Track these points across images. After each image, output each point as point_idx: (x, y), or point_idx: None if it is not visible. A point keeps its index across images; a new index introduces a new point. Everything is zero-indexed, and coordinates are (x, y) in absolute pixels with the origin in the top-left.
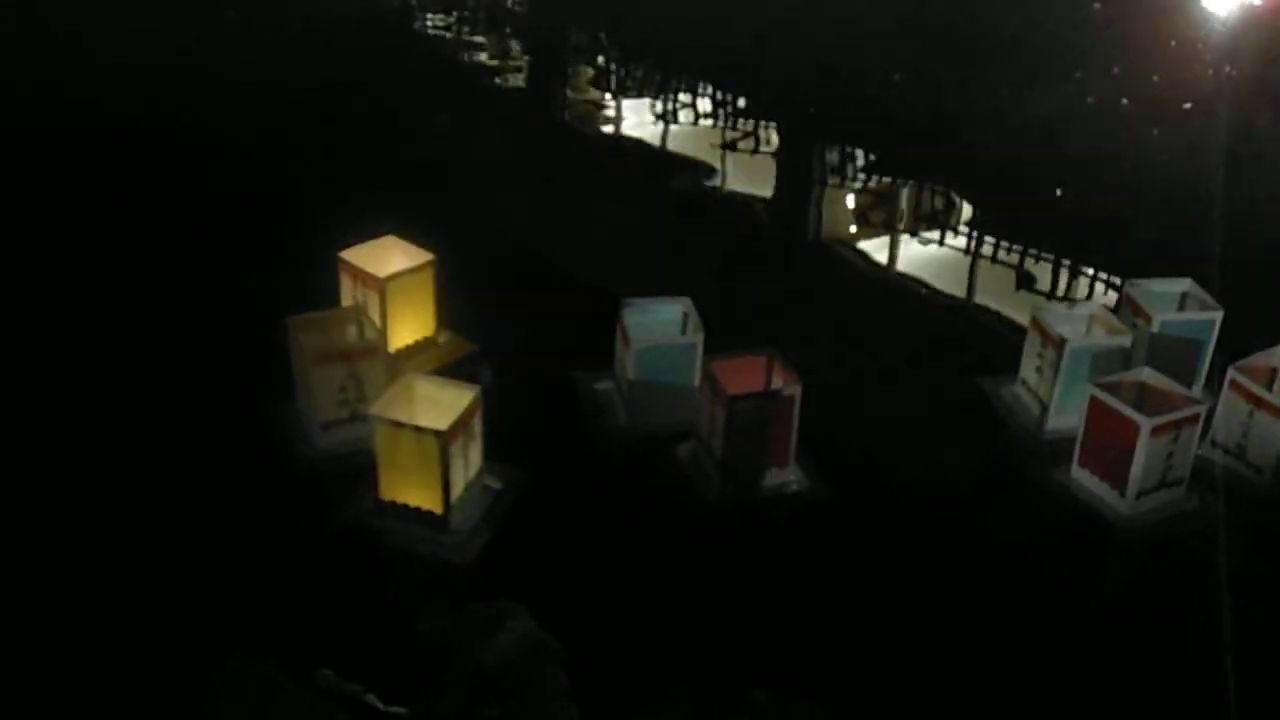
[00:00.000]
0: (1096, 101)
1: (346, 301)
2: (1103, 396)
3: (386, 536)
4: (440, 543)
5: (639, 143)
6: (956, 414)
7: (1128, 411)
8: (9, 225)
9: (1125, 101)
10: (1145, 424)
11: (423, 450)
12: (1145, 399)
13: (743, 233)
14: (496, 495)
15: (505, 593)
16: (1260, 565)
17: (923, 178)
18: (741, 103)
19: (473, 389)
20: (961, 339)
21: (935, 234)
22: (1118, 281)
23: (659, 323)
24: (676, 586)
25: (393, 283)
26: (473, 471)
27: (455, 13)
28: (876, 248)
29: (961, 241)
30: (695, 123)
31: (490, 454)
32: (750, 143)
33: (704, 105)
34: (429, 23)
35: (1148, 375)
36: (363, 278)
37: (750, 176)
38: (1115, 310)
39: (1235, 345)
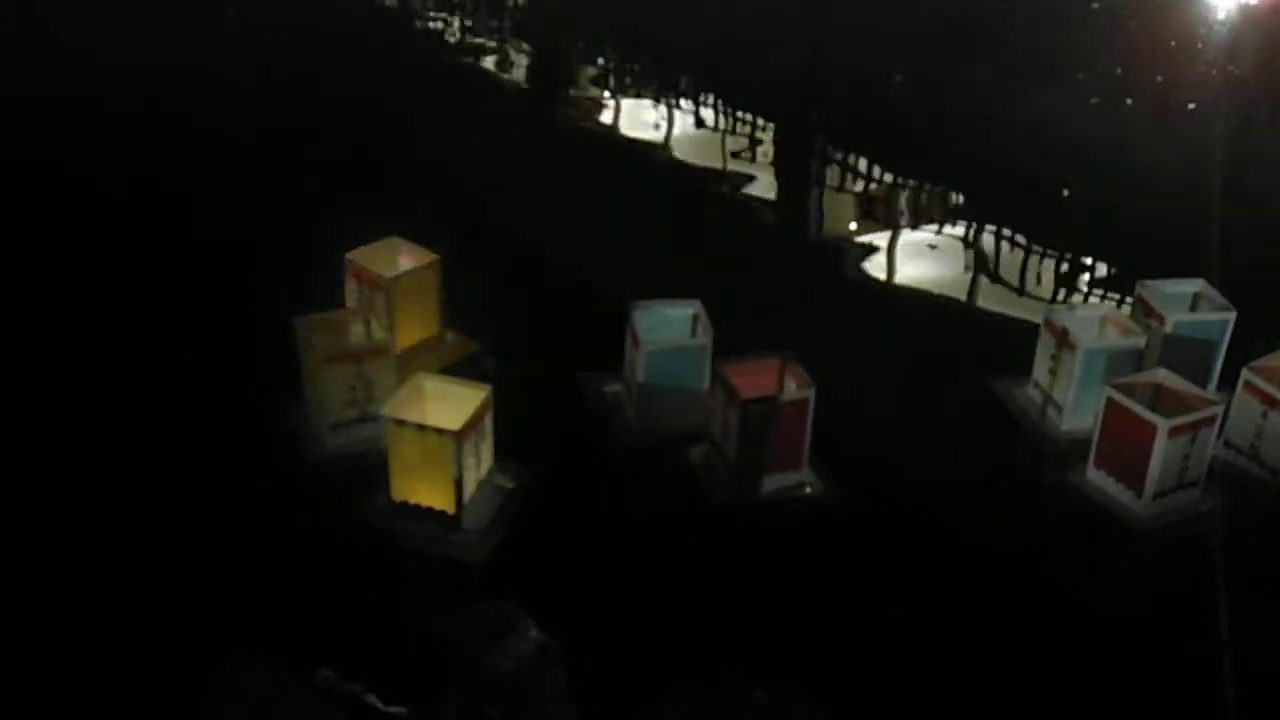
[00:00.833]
0: (1100, 102)
1: (352, 302)
2: (1119, 398)
3: (398, 537)
4: (452, 542)
5: (639, 142)
6: (968, 416)
7: (1145, 413)
8: (10, 227)
9: (1129, 101)
10: (1163, 425)
11: (435, 450)
12: (1160, 400)
13: (744, 232)
14: (507, 495)
15: (508, 593)
16: (1275, 566)
17: (924, 178)
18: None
19: (483, 388)
20: (966, 340)
21: (934, 227)
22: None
23: (669, 325)
24: (680, 588)
25: (399, 283)
26: (484, 471)
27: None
28: (876, 246)
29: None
30: (698, 125)
31: (499, 453)
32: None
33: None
34: (430, 25)
35: (1163, 376)
36: (369, 278)
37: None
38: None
39: (1243, 346)
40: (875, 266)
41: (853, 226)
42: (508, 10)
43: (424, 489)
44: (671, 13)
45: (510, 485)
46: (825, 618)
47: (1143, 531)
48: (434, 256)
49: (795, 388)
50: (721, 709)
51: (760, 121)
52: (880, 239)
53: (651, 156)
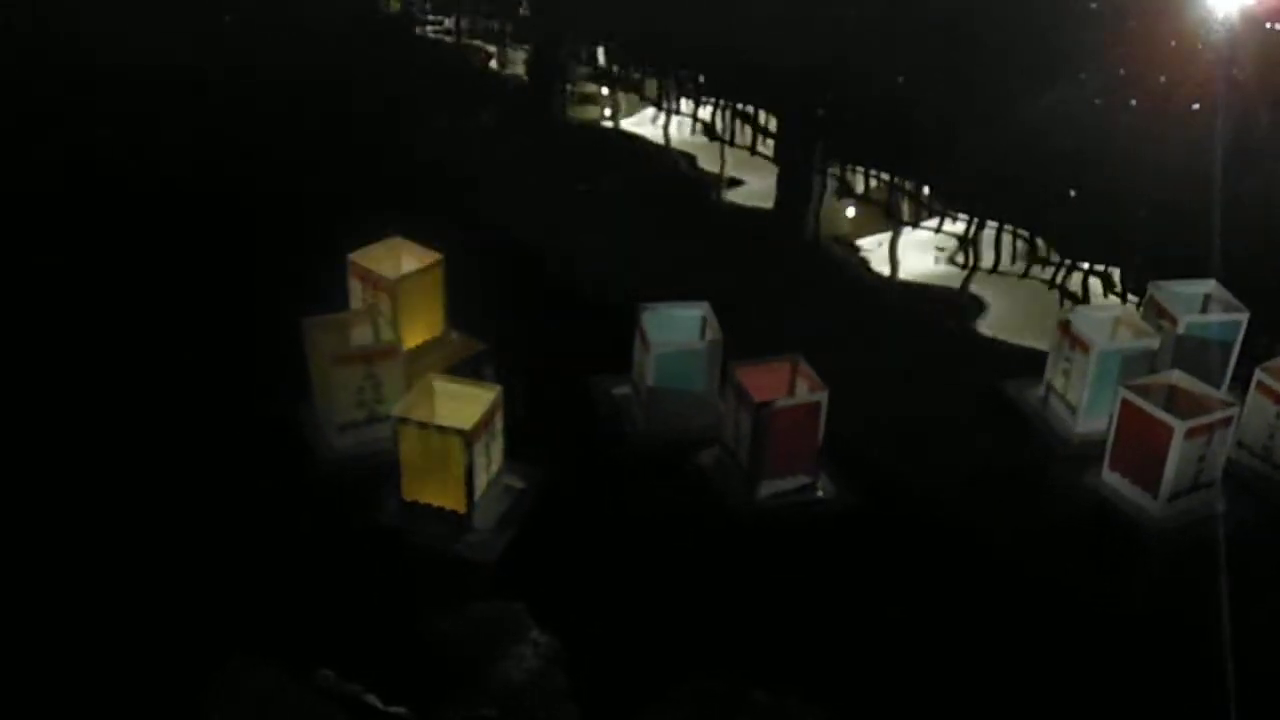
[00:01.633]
0: (1104, 103)
1: (356, 303)
2: (1135, 399)
3: (408, 536)
4: (464, 542)
5: (639, 142)
6: (980, 417)
7: (1161, 415)
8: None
9: (1134, 102)
10: (1179, 427)
11: (446, 450)
12: (1176, 401)
13: (744, 232)
14: (517, 494)
15: (511, 593)
16: None
17: (926, 180)
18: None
19: (493, 388)
20: (971, 339)
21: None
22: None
23: (677, 326)
24: (682, 588)
25: (404, 284)
26: (494, 470)
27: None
28: (877, 245)
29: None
30: (695, 126)
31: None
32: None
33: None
34: (430, 28)
35: (1178, 378)
36: (374, 279)
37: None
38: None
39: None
40: (876, 266)
41: (850, 214)
42: (508, 11)
43: (434, 489)
44: (672, 13)
45: (520, 485)
46: (831, 618)
47: (1158, 533)
48: (437, 257)
49: (807, 390)
50: (721, 709)
51: (760, 122)
52: (880, 238)
53: (651, 156)
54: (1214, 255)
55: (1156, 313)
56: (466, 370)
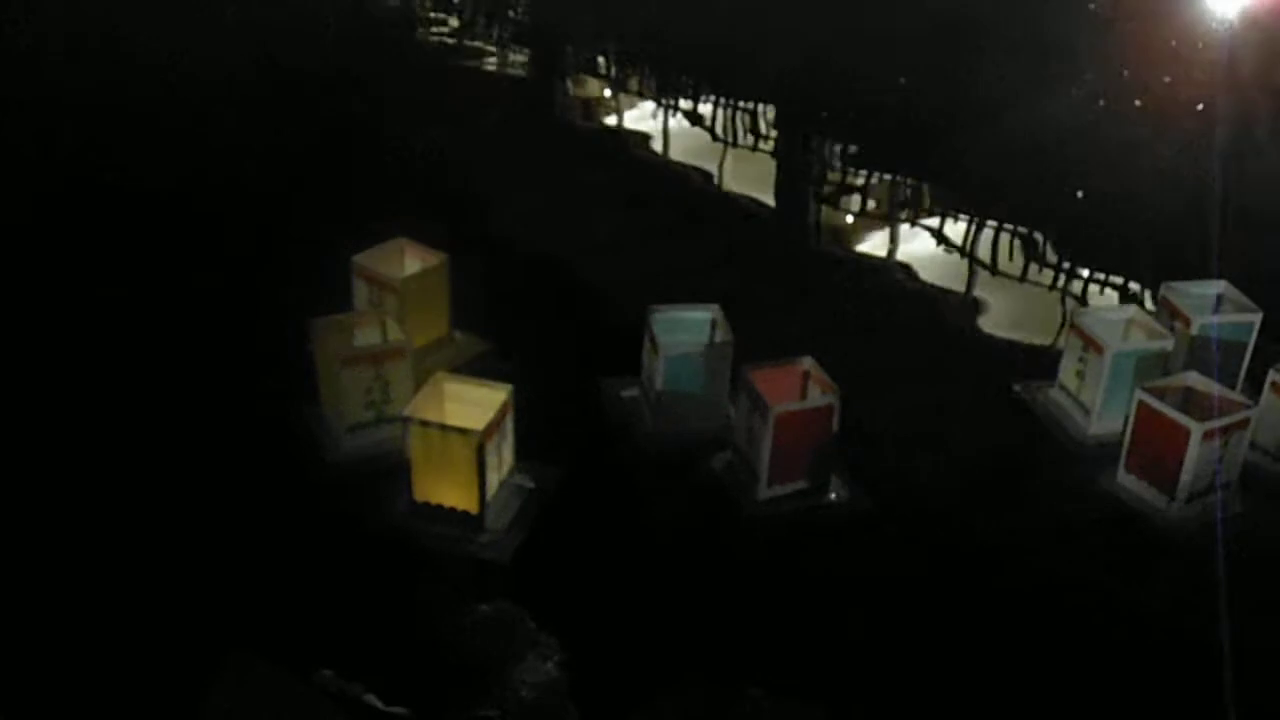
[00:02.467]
0: (1108, 104)
1: (361, 304)
2: (1151, 401)
3: (420, 537)
4: (476, 542)
5: (639, 140)
6: (992, 418)
7: (1177, 416)
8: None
9: (1138, 103)
10: (1196, 429)
11: (459, 451)
12: (1191, 403)
13: (744, 232)
14: (528, 494)
15: (513, 594)
16: None
17: (928, 180)
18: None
19: (504, 388)
20: (976, 339)
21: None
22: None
23: (687, 329)
24: (688, 591)
25: (408, 284)
26: (505, 471)
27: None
28: (877, 245)
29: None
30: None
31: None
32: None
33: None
34: (430, 26)
35: (1193, 379)
36: (378, 281)
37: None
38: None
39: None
40: (877, 265)
41: (850, 220)
42: (508, 12)
43: (446, 489)
44: (672, 12)
45: (531, 485)
46: (837, 620)
47: (1174, 534)
48: (442, 257)
49: (819, 392)
50: (721, 709)
51: (760, 121)
52: (881, 237)
53: (651, 156)
54: (1212, 256)
55: (1169, 314)
56: (473, 369)
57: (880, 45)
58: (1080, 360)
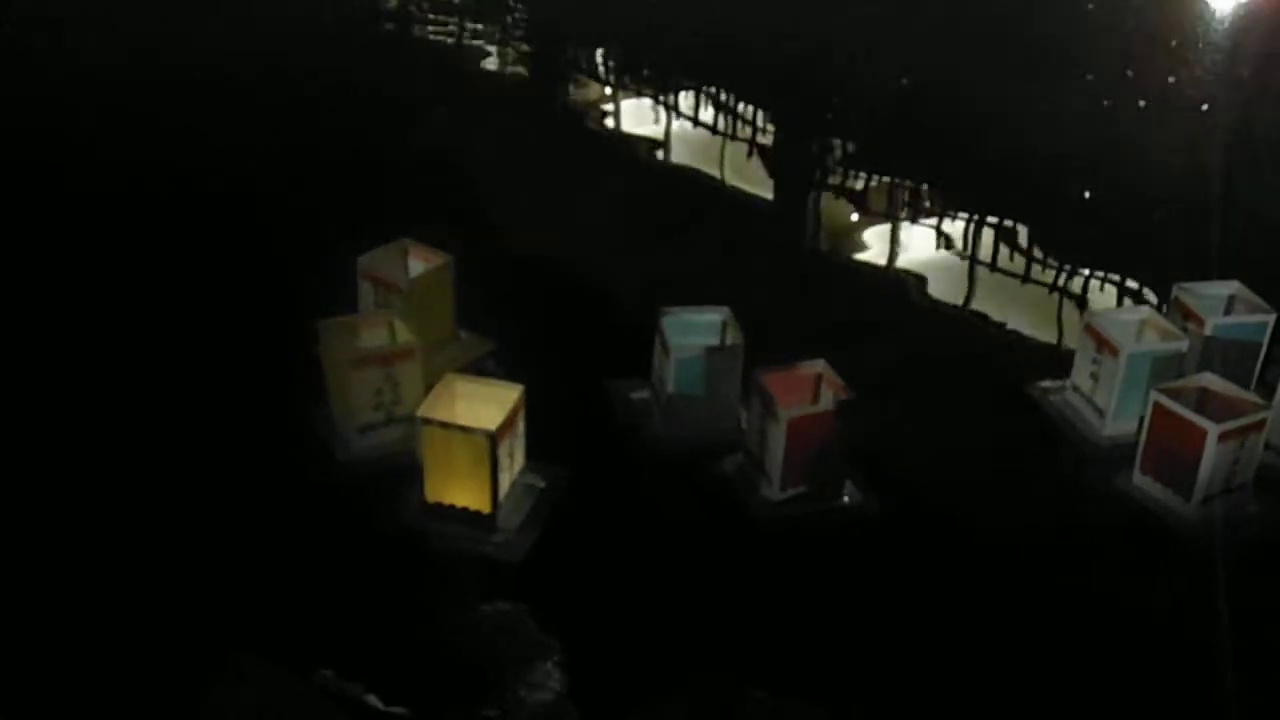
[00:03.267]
0: (1112, 104)
1: (365, 306)
2: (1167, 402)
3: (432, 538)
4: (489, 542)
5: (639, 141)
6: (1004, 419)
7: (1194, 418)
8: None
9: (1142, 104)
10: (1213, 430)
11: (471, 451)
12: (1207, 404)
13: (745, 232)
14: (538, 494)
15: (515, 594)
16: None
17: (930, 181)
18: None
19: (516, 388)
20: (983, 339)
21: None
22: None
23: (697, 331)
24: (693, 592)
25: (415, 286)
26: (516, 470)
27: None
28: (879, 245)
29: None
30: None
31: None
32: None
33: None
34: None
35: (1209, 380)
36: (384, 282)
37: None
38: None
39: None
40: (878, 265)
41: (854, 219)
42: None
43: (459, 490)
44: (673, 12)
45: (541, 484)
46: (845, 621)
47: (1191, 536)
48: (447, 258)
49: (832, 395)
50: (721, 709)
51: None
52: (881, 237)
53: (651, 157)
54: (1212, 256)
55: (1182, 314)
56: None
57: (882, 45)
58: (1094, 362)
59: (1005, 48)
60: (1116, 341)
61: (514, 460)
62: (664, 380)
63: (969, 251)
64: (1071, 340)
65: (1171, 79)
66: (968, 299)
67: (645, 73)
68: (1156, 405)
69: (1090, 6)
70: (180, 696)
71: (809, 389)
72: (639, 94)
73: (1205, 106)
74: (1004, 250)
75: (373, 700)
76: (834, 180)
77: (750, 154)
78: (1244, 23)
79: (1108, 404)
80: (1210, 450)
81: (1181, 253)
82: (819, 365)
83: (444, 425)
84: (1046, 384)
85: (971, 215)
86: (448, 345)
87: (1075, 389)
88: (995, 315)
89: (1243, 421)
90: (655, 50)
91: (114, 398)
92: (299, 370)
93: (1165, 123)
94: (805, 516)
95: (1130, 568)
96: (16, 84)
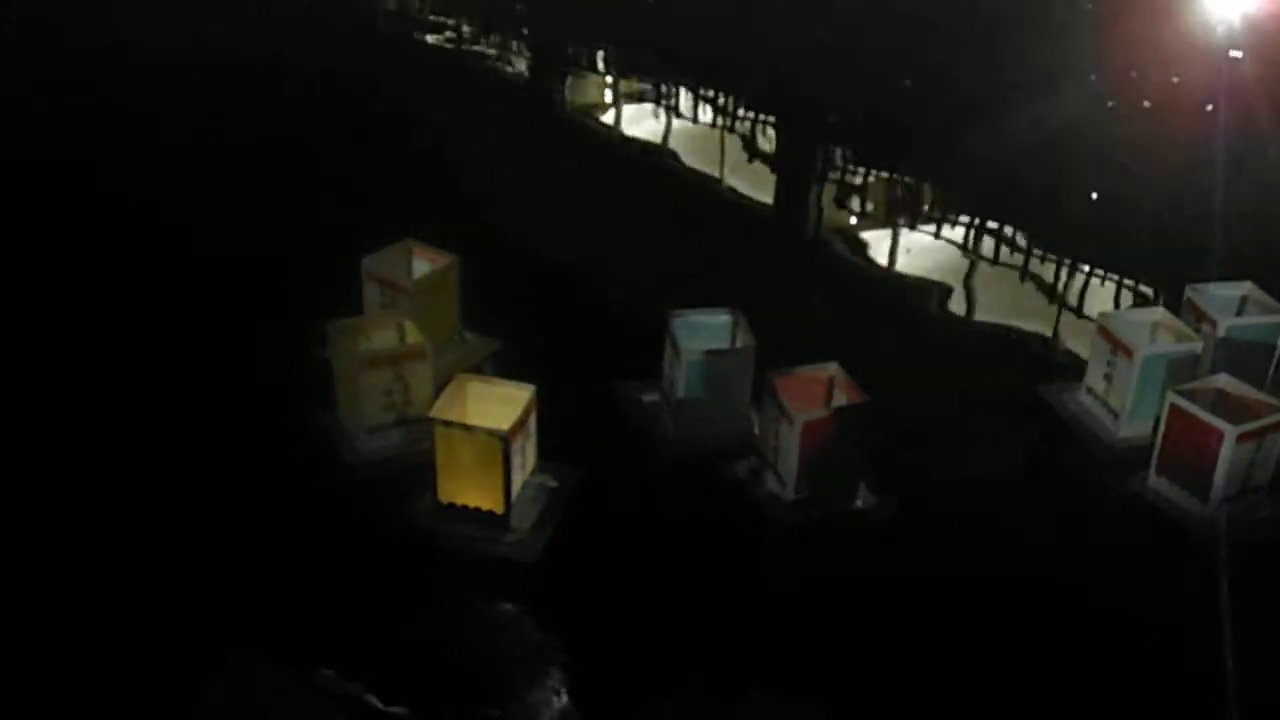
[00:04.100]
0: (1117, 104)
1: (371, 308)
2: (1184, 404)
3: (445, 538)
4: (502, 542)
5: (640, 142)
6: (1017, 420)
7: (1211, 419)
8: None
9: (1146, 104)
10: (1230, 431)
11: (484, 451)
12: (1223, 405)
13: (745, 232)
14: (550, 494)
15: (517, 593)
16: None
17: (932, 181)
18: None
19: (527, 388)
20: (991, 342)
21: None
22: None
23: (708, 334)
24: (698, 594)
25: (421, 287)
26: (528, 470)
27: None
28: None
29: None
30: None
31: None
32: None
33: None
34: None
35: (1224, 381)
36: (390, 284)
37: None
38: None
39: None
40: (880, 265)
41: (853, 221)
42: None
43: (472, 490)
44: (674, 12)
45: (553, 484)
46: (854, 624)
47: (1207, 538)
48: (451, 259)
49: (846, 399)
50: (721, 708)
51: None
52: (882, 237)
53: (650, 157)
54: (1213, 256)
55: (1195, 316)
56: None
57: (884, 46)
58: (1108, 364)
59: (1007, 48)
60: (1131, 343)
61: (526, 460)
62: (675, 383)
63: (971, 252)
64: (1069, 340)
65: (1175, 79)
66: (972, 301)
67: (645, 72)
68: (1173, 407)
69: (1089, 6)
70: (180, 696)
71: (822, 392)
72: (640, 98)
73: (1209, 107)
74: (1004, 249)
75: (373, 700)
76: (834, 180)
77: (751, 159)
78: (1246, 25)
79: (1122, 406)
80: (1228, 452)
81: (1188, 253)
82: (831, 368)
83: (457, 426)
84: (1059, 386)
85: (973, 217)
86: (453, 346)
87: (1089, 391)
88: (998, 315)
89: (1261, 423)
90: (655, 51)
91: (118, 400)
92: (305, 372)
93: (1169, 123)
94: (819, 520)
95: (1146, 569)
96: (17, 84)
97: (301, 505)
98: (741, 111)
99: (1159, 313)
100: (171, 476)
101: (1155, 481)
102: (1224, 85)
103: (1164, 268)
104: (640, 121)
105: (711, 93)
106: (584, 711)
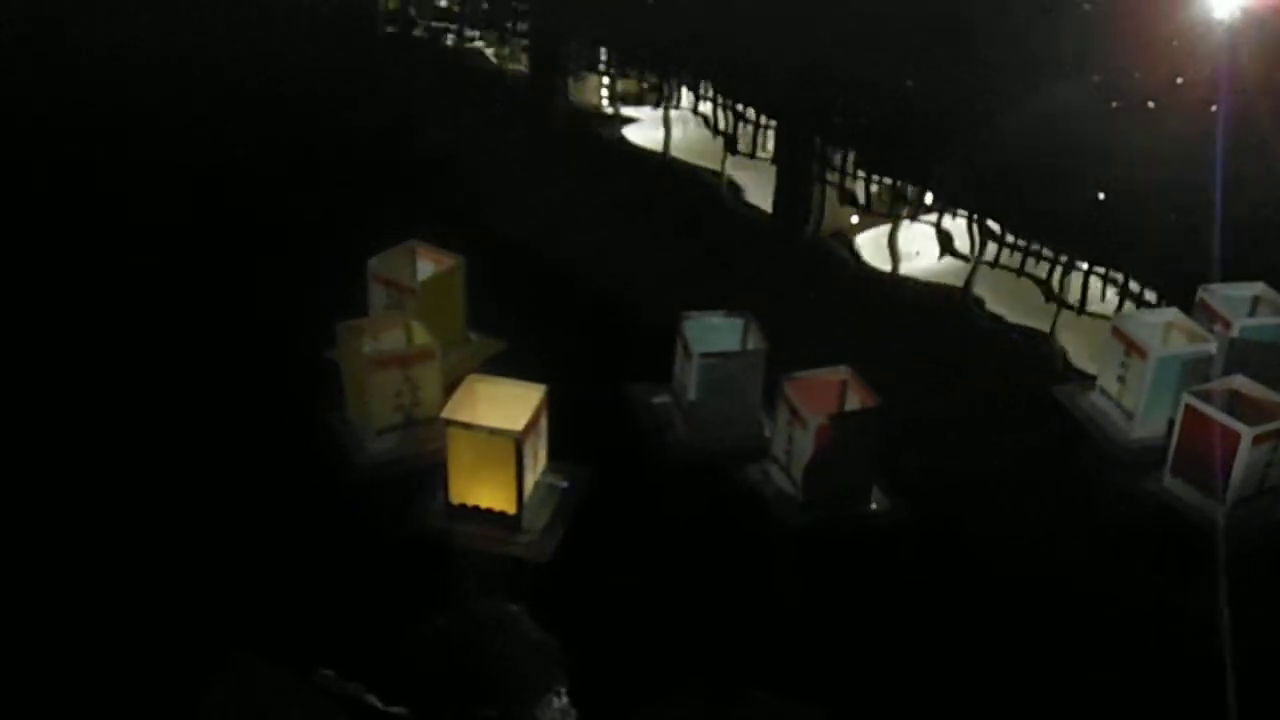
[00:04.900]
0: (1121, 104)
1: (377, 309)
2: (1199, 405)
3: (457, 539)
4: (515, 542)
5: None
6: (1029, 421)
7: (1227, 420)
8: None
9: (1150, 104)
10: (1247, 433)
11: (497, 451)
12: (1239, 406)
13: (745, 232)
14: (561, 494)
15: (519, 593)
16: None
17: (934, 183)
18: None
19: (538, 388)
20: (1002, 343)
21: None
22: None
23: (719, 335)
24: (701, 595)
25: (427, 288)
26: (539, 470)
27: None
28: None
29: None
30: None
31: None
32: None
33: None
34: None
35: (1240, 382)
36: (397, 285)
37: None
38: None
39: None
40: (882, 266)
41: (854, 221)
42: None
43: (484, 490)
44: (675, 12)
45: (563, 484)
46: (866, 624)
47: (1222, 538)
48: (457, 259)
49: (859, 402)
50: (721, 709)
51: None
52: (882, 236)
53: (650, 157)
54: (1213, 257)
55: (1208, 316)
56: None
57: (885, 47)
58: (1121, 364)
59: (1008, 49)
60: (1145, 344)
61: (537, 460)
62: (685, 385)
63: (973, 251)
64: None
65: (1179, 80)
66: (974, 300)
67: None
68: (1188, 408)
69: (1087, 7)
70: (180, 696)
71: (834, 395)
72: (640, 100)
73: (1214, 107)
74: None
75: (373, 700)
76: (833, 180)
77: (752, 153)
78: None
79: (1136, 406)
80: (1244, 453)
81: (1192, 254)
82: (844, 371)
83: (469, 427)
84: (1072, 387)
85: (971, 216)
86: (458, 347)
87: (1102, 391)
88: (1009, 316)
89: (1277, 424)
90: (655, 51)
91: (125, 403)
92: (313, 374)
93: (1172, 123)
94: (831, 522)
95: (1161, 570)
96: (18, 84)
97: (310, 507)
98: (742, 110)
99: (1172, 313)
100: (180, 479)
101: (1170, 482)
102: (1226, 84)
103: (1169, 268)
104: (642, 121)
105: (713, 93)
106: (584, 711)
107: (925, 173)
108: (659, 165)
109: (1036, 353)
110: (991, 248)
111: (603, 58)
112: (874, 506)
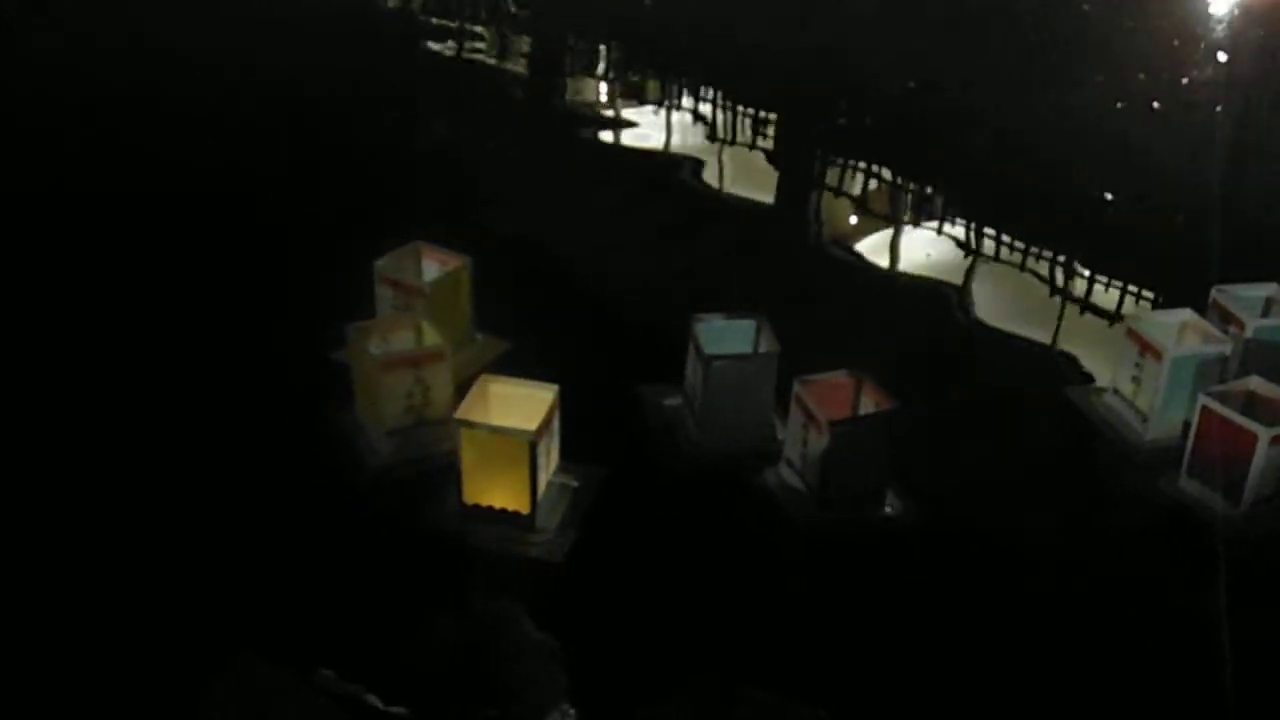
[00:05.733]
0: (1127, 105)
1: (383, 310)
2: (1215, 406)
3: (471, 539)
4: (529, 543)
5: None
6: (1041, 421)
7: (1244, 421)
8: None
9: (1156, 105)
10: (1264, 434)
11: (511, 452)
12: (1255, 407)
13: (746, 233)
14: (573, 493)
15: (520, 593)
16: None
17: (936, 185)
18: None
19: (550, 388)
20: (1012, 345)
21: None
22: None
23: (732, 338)
24: (704, 596)
25: (435, 289)
26: (552, 470)
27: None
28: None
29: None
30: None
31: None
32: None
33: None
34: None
35: (1256, 383)
36: (402, 286)
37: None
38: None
39: None
40: (883, 266)
41: (853, 221)
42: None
43: (498, 491)
44: (675, 13)
45: (575, 484)
46: (879, 627)
47: (1238, 540)
48: (464, 260)
49: (873, 405)
50: (721, 709)
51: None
52: (883, 239)
53: (650, 157)
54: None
55: (1221, 317)
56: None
57: (887, 47)
58: (1136, 365)
59: (1011, 48)
60: (1159, 345)
61: (550, 460)
62: (697, 387)
63: (974, 251)
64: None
65: (1185, 80)
66: (965, 297)
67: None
68: (1205, 409)
69: (1086, 7)
70: (180, 696)
71: (848, 397)
72: (641, 101)
73: (1219, 108)
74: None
75: (373, 700)
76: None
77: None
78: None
79: (1150, 408)
80: (1261, 454)
81: (1203, 254)
82: (857, 373)
83: (482, 427)
84: (1085, 388)
85: (984, 218)
86: (465, 347)
87: (1116, 393)
88: (1019, 317)
89: None
90: (655, 51)
91: (132, 403)
92: (320, 375)
93: (1177, 124)
94: (844, 525)
95: (1176, 571)
96: (20, 84)
97: (319, 508)
98: (744, 110)
99: (1186, 314)
100: (186, 481)
101: (1185, 483)
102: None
103: (1175, 269)
104: (643, 121)
105: (713, 93)
106: (584, 711)
107: (933, 174)
108: (662, 164)
109: (1047, 354)
110: (994, 248)
111: (602, 58)
112: (889, 510)
